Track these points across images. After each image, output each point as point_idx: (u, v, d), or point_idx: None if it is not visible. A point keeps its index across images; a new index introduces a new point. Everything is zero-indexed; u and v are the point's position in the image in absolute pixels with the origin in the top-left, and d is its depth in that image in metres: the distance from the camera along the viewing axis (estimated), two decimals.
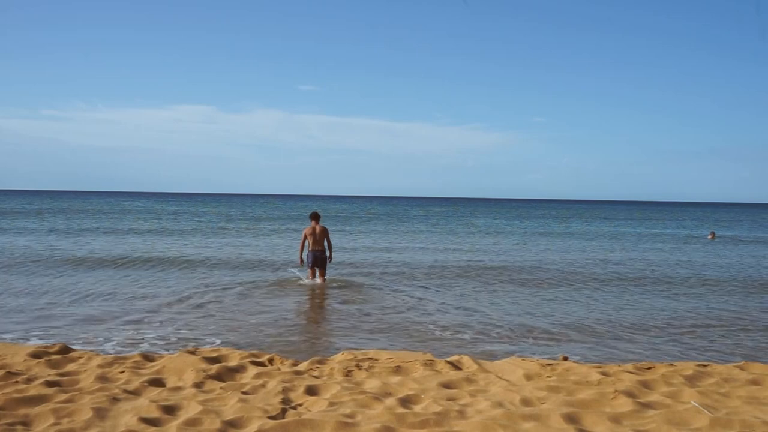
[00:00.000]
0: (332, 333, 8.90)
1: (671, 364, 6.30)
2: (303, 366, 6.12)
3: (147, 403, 4.70)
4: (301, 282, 13.56)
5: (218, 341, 8.16)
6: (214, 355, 6.36)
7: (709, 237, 32.47)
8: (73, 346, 6.91)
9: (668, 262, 19.60)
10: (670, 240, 31.43)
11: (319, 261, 13.30)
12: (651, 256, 21.74)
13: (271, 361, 6.33)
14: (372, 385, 5.41)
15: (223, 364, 6.03)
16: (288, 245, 23.76)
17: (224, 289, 12.76)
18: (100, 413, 4.47)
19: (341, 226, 38.93)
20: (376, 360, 6.36)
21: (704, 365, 6.33)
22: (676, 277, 16.12)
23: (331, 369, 5.96)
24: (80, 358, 6.24)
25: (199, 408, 4.63)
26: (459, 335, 8.85)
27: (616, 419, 4.58)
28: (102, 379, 5.45)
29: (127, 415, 4.48)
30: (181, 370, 5.74)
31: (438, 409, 4.70)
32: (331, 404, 4.82)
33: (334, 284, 13.48)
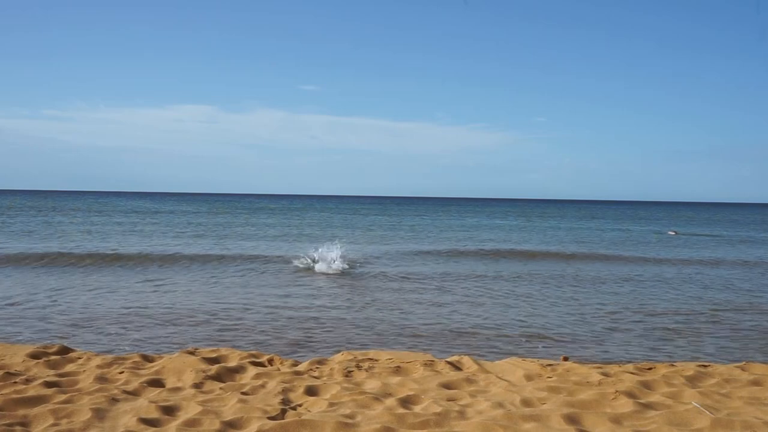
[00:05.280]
0: (332, 333, 8.89)
1: (672, 365, 6.29)
2: (303, 366, 6.11)
3: (146, 404, 4.69)
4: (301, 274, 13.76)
5: (216, 341, 8.15)
6: (214, 355, 6.35)
7: (672, 233, 36.11)
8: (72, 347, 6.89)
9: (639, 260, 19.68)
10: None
11: None
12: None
13: (270, 361, 6.32)
14: (372, 385, 5.40)
15: (222, 364, 6.01)
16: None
17: (222, 287, 12.75)
18: (99, 414, 4.46)
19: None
20: (376, 360, 6.35)
21: (705, 365, 6.31)
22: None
23: (331, 369, 5.94)
24: (79, 358, 6.22)
25: (199, 408, 4.61)
26: (459, 335, 8.84)
27: (616, 420, 4.57)
28: (101, 379, 5.44)
29: (127, 415, 4.47)
30: (181, 371, 5.73)
31: (438, 409, 4.69)
32: (331, 405, 4.81)
33: (334, 282, 13.48)
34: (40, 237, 25.35)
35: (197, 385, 5.33)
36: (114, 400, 4.80)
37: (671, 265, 19.16)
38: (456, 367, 6.15)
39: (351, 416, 4.52)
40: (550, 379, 5.70)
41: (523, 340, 8.64)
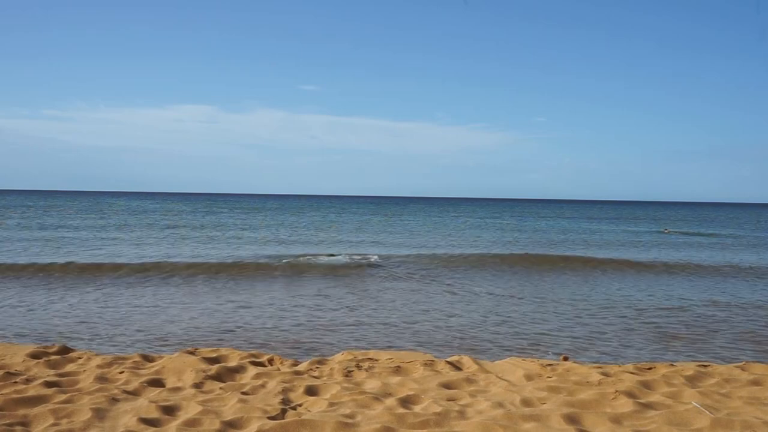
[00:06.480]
0: (332, 332, 8.89)
1: (672, 365, 6.29)
2: (303, 366, 6.11)
3: (146, 404, 4.69)
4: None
5: (217, 341, 8.15)
6: (214, 355, 6.35)
7: (665, 231, 37.92)
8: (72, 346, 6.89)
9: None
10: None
11: None
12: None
13: (270, 361, 6.32)
14: (372, 385, 5.40)
15: (222, 364, 6.01)
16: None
17: (220, 287, 12.75)
18: (99, 414, 4.46)
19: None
20: (376, 360, 6.35)
21: (705, 365, 6.31)
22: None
23: (331, 369, 5.94)
24: (79, 358, 6.22)
25: (199, 408, 4.61)
26: (459, 335, 8.84)
27: (616, 420, 4.57)
28: (101, 379, 5.44)
29: (127, 415, 4.47)
30: (181, 371, 5.73)
31: (438, 409, 4.68)
32: (331, 404, 4.81)
33: (333, 282, 13.47)
34: (41, 242, 25.37)
35: (197, 385, 5.33)
36: (114, 400, 4.79)
37: (668, 264, 19.16)
38: (456, 366, 6.15)
39: (351, 416, 4.51)
40: (550, 379, 5.70)
41: (525, 343, 8.64)
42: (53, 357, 6.20)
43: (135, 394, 5.04)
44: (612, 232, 37.59)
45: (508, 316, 10.30)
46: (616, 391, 5.18)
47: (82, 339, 8.17)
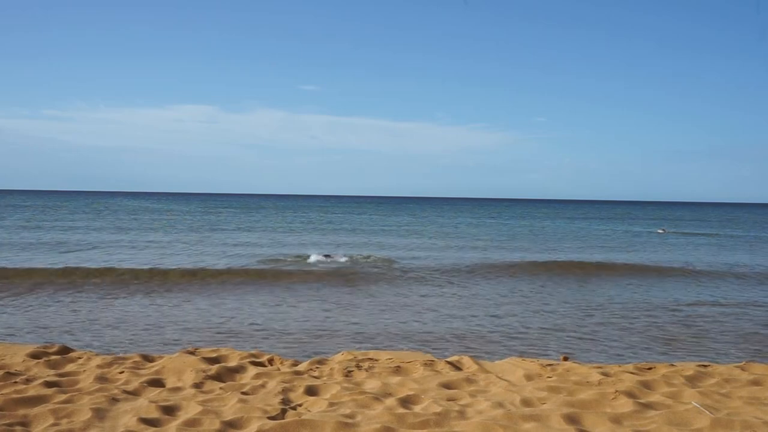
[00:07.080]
0: (331, 332, 8.90)
1: (672, 365, 6.28)
2: (303, 366, 6.11)
3: (146, 404, 4.68)
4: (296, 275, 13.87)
5: (216, 341, 8.15)
6: (214, 355, 6.34)
7: (661, 231, 38.32)
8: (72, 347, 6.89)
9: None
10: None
11: None
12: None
13: (270, 361, 6.32)
14: (372, 385, 5.40)
15: (222, 364, 6.01)
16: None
17: (219, 287, 12.74)
18: (99, 414, 4.45)
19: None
20: (376, 360, 6.35)
21: (705, 365, 6.31)
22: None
23: (331, 369, 5.94)
24: (79, 358, 6.22)
25: (199, 408, 4.61)
26: (459, 335, 8.84)
27: (616, 420, 4.57)
28: (101, 379, 5.43)
29: (127, 415, 4.47)
30: (181, 371, 5.72)
31: (438, 409, 4.68)
32: (331, 404, 4.81)
33: (331, 282, 13.47)
34: (40, 243, 25.38)
35: (197, 385, 5.32)
36: (114, 400, 4.79)
37: (667, 265, 19.17)
38: (456, 366, 6.15)
39: (351, 416, 4.51)
40: (550, 379, 5.70)
41: (525, 343, 8.64)
42: (53, 357, 6.19)
43: (135, 394, 5.04)
44: (611, 232, 37.68)
45: (508, 317, 10.31)
46: (616, 391, 5.18)
47: (82, 339, 8.17)
